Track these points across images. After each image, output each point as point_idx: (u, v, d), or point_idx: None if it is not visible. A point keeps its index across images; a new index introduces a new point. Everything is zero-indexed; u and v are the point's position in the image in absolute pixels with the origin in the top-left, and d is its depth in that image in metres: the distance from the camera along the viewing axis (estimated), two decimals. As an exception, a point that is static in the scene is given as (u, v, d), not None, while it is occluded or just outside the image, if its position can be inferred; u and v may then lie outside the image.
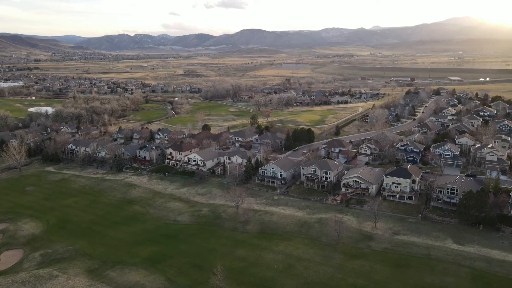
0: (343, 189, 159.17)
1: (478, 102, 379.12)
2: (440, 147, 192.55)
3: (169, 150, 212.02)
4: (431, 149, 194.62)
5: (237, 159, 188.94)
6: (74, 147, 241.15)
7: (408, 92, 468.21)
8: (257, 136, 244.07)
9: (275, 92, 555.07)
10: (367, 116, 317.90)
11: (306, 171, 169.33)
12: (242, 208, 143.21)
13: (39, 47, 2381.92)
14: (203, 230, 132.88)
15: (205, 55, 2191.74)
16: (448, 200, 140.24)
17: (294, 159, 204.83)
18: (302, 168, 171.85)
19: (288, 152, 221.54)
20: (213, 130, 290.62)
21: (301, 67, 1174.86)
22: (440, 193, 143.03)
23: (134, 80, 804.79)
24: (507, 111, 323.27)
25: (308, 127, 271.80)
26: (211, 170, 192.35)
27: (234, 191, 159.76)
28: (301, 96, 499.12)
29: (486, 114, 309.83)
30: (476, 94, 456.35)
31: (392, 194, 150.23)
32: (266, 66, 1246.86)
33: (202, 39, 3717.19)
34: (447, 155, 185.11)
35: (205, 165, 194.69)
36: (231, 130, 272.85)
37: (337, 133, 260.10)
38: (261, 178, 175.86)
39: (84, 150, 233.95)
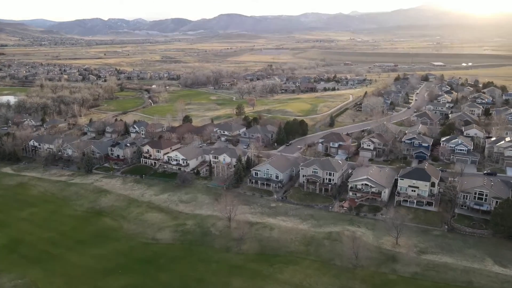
0: (350, 194, 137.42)
1: (471, 89, 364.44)
2: (451, 140, 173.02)
3: (146, 148, 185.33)
4: (442, 143, 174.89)
5: (225, 158, 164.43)
6: (36, 144, 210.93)
7: (397, 78, 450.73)
8: (245, 129, 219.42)
9: (258, 79, 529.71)
10: (360, 104, 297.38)
11: (306, 172, 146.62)
12: (235, 220, 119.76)
13: (5, 32, 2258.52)
14: (188, 252, 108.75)
15: (182, 40, 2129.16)
16: (476, 207, 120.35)
17: (289, 156, 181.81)
18: (301, 168, 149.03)
19: (281, 148, 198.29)
20: (195, 122, 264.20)
21: (282, 53, 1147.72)
22: (466, 198, 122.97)
23: (108, 66, 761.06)
24: (504, 98, 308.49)
25: (300, 117, 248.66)
26: (195, 171, 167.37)
27: (224, 198, 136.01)
28: (285, 83, 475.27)
29: (484, 101, 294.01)
30: (466, 79, 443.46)
31: (408, 200, 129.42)
32: (246, 51, 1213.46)
33: (179, 24, 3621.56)
34: (461, 150, 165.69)
35: (188, 165, 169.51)
36: (215, 122, 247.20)
37: (331, 124, 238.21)
38: (253, 181, 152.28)
39: (47, 148, 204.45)
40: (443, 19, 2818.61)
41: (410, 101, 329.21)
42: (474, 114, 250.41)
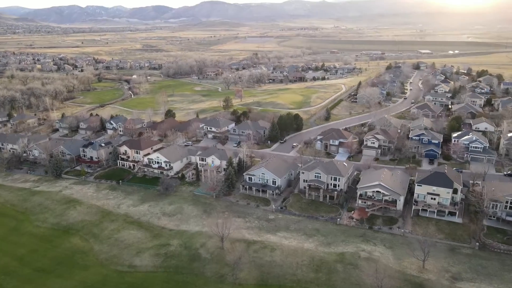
0: (360, 202, 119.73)
1: (467, 78, 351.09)
2: (463, 136, 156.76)
3: (124, 148, 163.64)
4: (453, 139, 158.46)
5: (213, 161, 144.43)
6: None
7: (389, 67, 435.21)
8: (234, 125, 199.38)
9: (244, 68, 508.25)
10: (354, 95, 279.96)
11: (308, 176, 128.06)
12: (229, 239, 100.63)
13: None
14: (174, 284, 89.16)
15: (164, 28, 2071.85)
16: (510, 218, 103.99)
17: (285, 155, 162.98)
18: (302, 172, 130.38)
19: (275, 145, 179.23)
20: (179, 116, 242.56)
21: (267, 41, 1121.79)
22: (495, 208, 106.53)
23: (86, 55, 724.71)
24: (503, 87, 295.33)
25: (293, 110, 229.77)
26: (180, 175, 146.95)
27: (214, 210, 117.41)
28: (273, 72, 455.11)
29: (483, 91, 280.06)
30: (458, 68, 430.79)
31: (428, 209, 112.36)
32: (230, 39, 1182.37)
33: (160, 11, 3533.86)
34: (476, 147, 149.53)
35: (171, 168, 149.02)
36: (201, 116, 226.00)
37: (327, 118, 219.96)
38: (247, 187, 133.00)
39: (11, 148, 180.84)
40: (425, 7, 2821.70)
41: (405, 91, 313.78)
42: (476, 105, 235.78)
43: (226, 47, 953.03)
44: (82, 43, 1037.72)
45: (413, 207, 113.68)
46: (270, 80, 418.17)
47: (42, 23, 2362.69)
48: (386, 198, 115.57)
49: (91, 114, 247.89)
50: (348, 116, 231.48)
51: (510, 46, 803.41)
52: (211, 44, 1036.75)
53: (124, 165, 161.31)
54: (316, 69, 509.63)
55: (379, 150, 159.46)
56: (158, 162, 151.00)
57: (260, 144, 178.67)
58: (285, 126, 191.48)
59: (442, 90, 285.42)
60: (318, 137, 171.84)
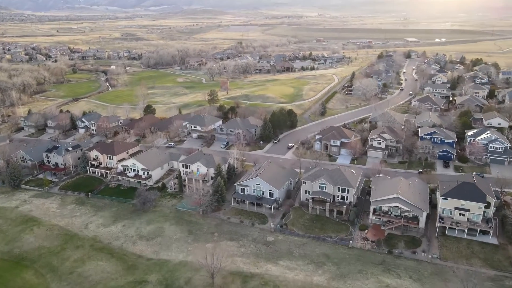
0: (374, 218, 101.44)
1: (462, 67, 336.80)
2: (480, 135, 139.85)
3: (94, 153, 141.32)
4: (469, 138, 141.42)
5: (199, 168, 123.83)
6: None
7: (380, 56, 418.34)
8: (221, 122, 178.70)
9: (229, 58, 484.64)
10: (348, 87, 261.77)
11: (311, 187, 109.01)
12: (221, 272, 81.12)
13: None
14: None
15: (144, 16, 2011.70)
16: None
17: (281, 158, 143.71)
18: (304, 182, 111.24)
19: (268, 146, 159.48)
20: (159, 112, 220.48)
21: (251, 29, 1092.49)
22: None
23: (61, 44, 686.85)
24: (502, 76, 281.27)
25: (285, 105, 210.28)
26: (160, 185, 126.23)
27: (201, 230, 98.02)
28: (259, 62, 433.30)
29: (483, 81, 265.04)
30: (450, 56, 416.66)
31: (456, 228, 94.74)
32: (213, 28, 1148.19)
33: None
34: (496, 148, 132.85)
35: (150, 176, 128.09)
36: (184, 112, 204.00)
37: (323, 113, 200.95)
38: (239, 200, 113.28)
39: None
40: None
41: (400, 81, 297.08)
42: (479, 97, 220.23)
43: (209, 36, 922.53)
44: (58, 31, 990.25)
45: (438, 224, 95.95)
46: (257, 71, 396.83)
47: (16, 11, 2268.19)
48: (406, 214, 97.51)
49: (61, 110, 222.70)
50: (345, 110, 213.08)
51: (496, 34, 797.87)
52: (193, 33, 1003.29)
53: (95, 172, 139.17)
54: (304, 58, 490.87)
55: (386, 152, 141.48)
56: (134, 170, 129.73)
57: (251, 145, 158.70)
58: (278, 124, 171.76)
59: (440, 81, 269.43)
60: (317, 136, 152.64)
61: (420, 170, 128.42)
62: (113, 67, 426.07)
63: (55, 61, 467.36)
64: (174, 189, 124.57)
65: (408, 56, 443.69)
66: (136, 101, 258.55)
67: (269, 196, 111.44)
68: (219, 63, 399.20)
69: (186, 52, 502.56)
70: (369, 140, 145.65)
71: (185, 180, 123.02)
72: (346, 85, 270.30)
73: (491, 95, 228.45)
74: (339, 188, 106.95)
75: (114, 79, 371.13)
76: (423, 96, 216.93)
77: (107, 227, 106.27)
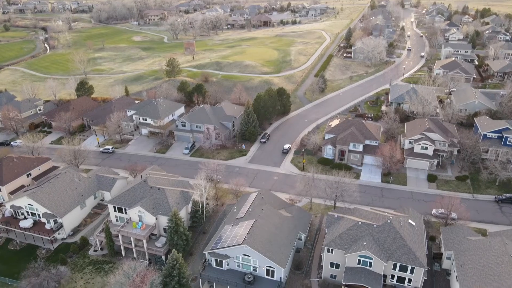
0: (465, 325, 54.55)
1: (471, 19, 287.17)
2: None
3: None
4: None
5: (141, 216, 71.84)
6: None
7: (373, 7, 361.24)
8: (183, 110, 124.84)
9: (195, 10, 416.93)
10: (345, 47, 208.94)
11: (343, 260, 60.35)
12: None
13: None
14: None
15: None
16: None
17: (275, 174, 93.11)
18: (328, 250, 62.11)
19: (253, 149, 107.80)
20: (100, 88, 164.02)
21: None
22: None
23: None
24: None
25: (270, 76, 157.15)
26: (79, 241, 74.49)
27: None
28: (231, 15, 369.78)
29: (507, 38, 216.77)
30: (450, 5, 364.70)
31: None
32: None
33: None
34: None
35: (61, 227, 75.76)
36: (134, 91, 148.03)
37: (323, 89, 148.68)
38: (215, 280, 63.50)
39: None
40: None
41: (404, 39, 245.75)
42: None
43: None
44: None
45: None
46: (229, 26, 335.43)
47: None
48: (534, 327, 51.00)
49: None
50: (349, 82, 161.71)
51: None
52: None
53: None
54: (282, 9, 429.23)
55: (435, 161, 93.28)
56: (32, 214, 76.81)
57: (228, 147, 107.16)
58: (266, 111, 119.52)
59: (455, 38, 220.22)
60: (327, 136, 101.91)
61: (498, 196, 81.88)
62: (58, 22, 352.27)
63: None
64: (101, 249, 73.16)
65: (401, 5, 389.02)
66: (75, 71, 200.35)
67: (267, 275, 62.21)
68: (184, 17, 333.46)
69: (145, 4, 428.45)
70: (408, 142, 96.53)
71: (120, 236, 71.33)
72: (342, 45, 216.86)
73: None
74: (395, 264, 58.79)
75: (56, 38, 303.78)
76: (448, 61, 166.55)
77: None
